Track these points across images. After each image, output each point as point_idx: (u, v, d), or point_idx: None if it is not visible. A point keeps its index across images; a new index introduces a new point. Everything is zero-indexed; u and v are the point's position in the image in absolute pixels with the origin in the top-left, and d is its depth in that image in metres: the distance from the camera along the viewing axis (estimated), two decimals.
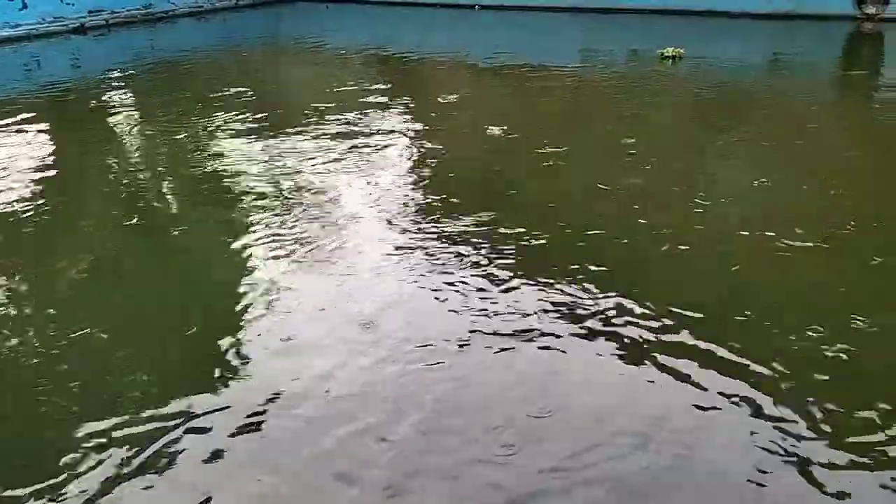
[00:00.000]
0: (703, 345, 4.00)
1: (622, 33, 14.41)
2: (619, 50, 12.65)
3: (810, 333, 4.03)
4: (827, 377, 3.71)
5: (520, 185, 6.48)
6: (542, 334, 4.18)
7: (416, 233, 5.53)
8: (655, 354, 3.95)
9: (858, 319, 4.13)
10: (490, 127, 8.01)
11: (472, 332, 4.23)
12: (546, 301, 4.50)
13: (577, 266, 4.88)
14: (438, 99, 9.56)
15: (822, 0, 14.00)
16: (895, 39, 12.85)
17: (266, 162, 7.37)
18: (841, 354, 3.86)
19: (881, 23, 13.61)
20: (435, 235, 5.46)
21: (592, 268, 4.85)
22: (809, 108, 8.66)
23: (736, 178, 6.42)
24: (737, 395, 3.61)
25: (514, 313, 4.39)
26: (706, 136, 7.79)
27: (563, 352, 4.04)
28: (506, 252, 5.13)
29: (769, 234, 5.21)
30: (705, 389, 3.67)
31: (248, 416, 3.63)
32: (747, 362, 3.84)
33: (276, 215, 5.98)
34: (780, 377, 3.71)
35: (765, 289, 4.59)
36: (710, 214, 5.62)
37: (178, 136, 8.45)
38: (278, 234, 5.63)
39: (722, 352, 3.93)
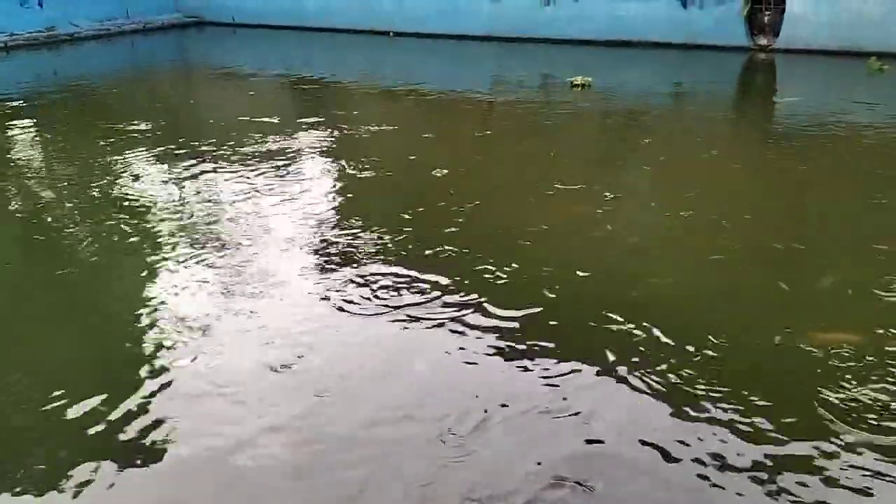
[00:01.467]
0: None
1: (532, 62, 14.81)
2: (531, 78, 12.99)
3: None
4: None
5: (433, 199, 6.62)
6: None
7: (331, 260, 5.54)
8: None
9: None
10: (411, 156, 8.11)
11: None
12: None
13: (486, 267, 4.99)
14: (354, 125, 9.60)
15: (719, 32, 14.75)
16: (785, 68, 13.64)
17: (176, 190, 7.24)
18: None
19: (773, 53, 14.41)
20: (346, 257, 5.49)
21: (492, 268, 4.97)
22: (708, 132, 9.13)
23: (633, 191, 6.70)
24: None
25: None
26: (609, 162, 8.09)
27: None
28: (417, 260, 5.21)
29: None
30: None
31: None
32: None
33: (187, 244, 5.89)
34: None
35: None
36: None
37: (80, 165, 8.23)
38: (189, 266, 5.53)
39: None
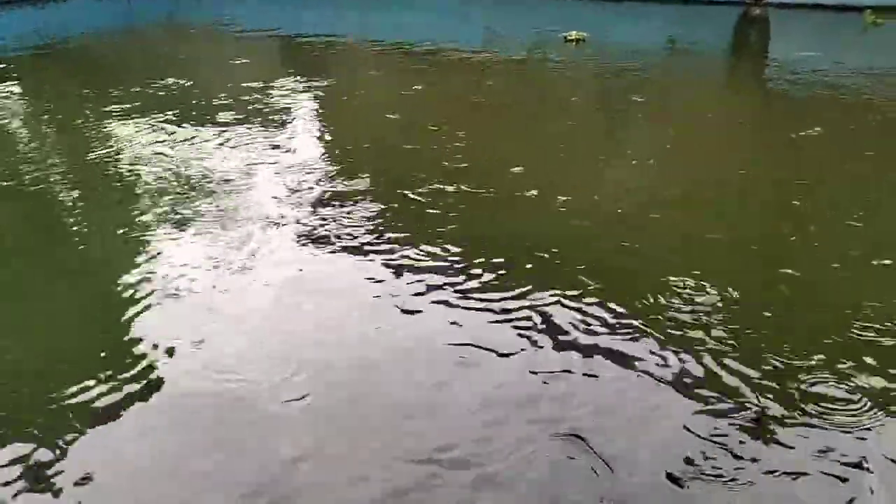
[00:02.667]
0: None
1: (525, 17, 14.68)
2: (525, 33, 12.91)
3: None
4: None
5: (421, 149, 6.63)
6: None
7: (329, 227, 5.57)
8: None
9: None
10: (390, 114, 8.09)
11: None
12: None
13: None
14: (348, 83, 9.56)
15: None
16: (779, 22, 13.57)
17: (172, 154, 7.19)
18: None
19: (767, 7, 14.34)
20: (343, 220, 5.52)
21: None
22: (700, 86, 9.15)
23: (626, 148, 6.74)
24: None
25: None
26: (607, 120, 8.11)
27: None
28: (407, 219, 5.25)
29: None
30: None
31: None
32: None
33: (182, 206, 5.90)
34: None
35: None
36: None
37: (74, 128, 8.18)
38: (186, 228, 5.56)
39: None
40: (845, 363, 3.69)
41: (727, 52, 12.11)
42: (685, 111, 8.18)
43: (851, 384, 3.55)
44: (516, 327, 4.13)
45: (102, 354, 4.07)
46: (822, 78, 9.25)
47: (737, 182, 6.10)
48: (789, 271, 4.57)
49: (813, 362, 3.71)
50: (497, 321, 4.19)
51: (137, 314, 4.41)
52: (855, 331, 3.95)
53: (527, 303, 4.35)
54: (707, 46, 12.07)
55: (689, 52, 11.60)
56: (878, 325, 3.98)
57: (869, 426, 3.30)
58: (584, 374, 3.71)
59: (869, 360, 3.72)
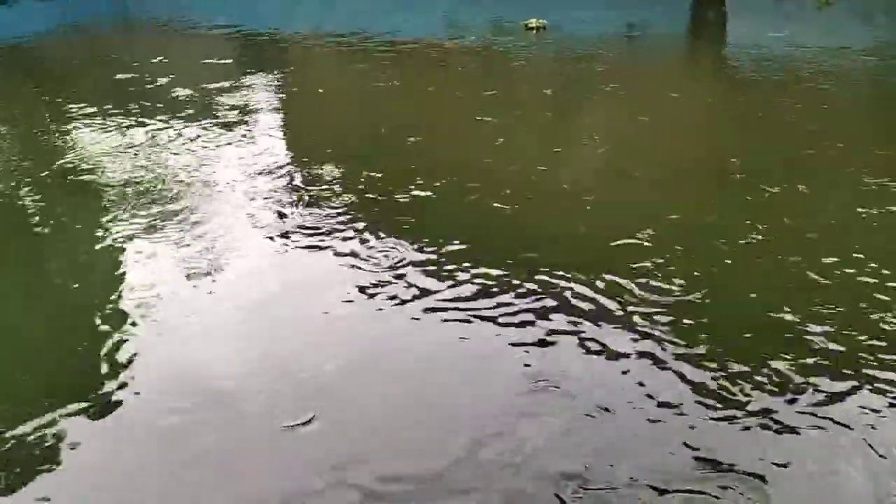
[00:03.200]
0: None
1: (484, 5, 14.65)
2: (484, 22, 12.89)
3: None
4: None
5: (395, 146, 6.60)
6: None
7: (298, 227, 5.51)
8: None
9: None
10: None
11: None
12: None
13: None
14: (304, 76, 9.46)
15: None
16: (735, 3, 13.72)
17: (135, 154, 7.05)
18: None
19: None
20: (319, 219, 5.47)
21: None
22: (659, 71, 9.24)
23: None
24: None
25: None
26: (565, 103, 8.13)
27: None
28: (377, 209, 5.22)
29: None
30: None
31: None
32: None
33: (148, 209, 5.79)
34: None
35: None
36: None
37: (29, 132, 7.99)
38: (155, 232, 5.45)
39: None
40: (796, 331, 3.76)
41: (685, 35, 12.22)
42: (643, 95, 8.21)
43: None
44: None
45: (66, 372, 3.93)
46: (779, 56, 9.37)
47: (687, 160, 6.25)
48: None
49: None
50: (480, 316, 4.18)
51: (105, 324, 4.29)
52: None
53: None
54: (665, 30, 12.18)
55: (648, 36, 11.69)
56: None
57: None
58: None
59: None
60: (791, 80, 8.53)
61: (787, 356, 3.67)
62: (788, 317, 3.96)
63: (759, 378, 3.53)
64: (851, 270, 4.39)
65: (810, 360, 3.63)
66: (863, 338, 3.77)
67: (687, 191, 5.73)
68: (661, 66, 9.83)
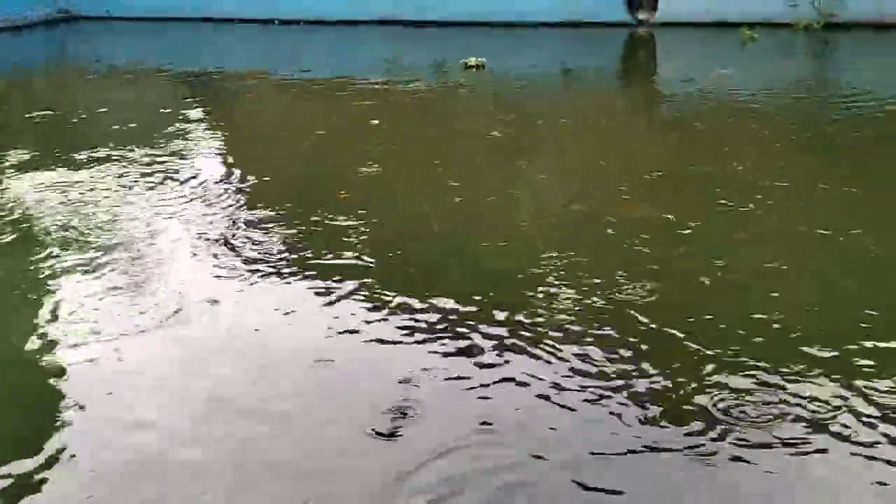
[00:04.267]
0: None
1: (423, 45, 14.91)
2: (425, 61, 13.10)
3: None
4: None
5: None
6: None
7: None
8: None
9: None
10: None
11: None
12: None
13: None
14: (250, 121, 9.45)
15: (601, 9, 15.27)
16: (664, 42, 14.29)
17: (66, 198, 6.78)
18: None
19: (652, 27, 15.04)
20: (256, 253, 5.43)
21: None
22: (599, 107, 9.55)
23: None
24: None
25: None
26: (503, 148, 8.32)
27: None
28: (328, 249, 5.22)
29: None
30: None
31: None
32: None
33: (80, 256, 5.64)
34: None
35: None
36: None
37: None
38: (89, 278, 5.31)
39: None
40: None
41: (617, 73, 12.65)
42: (578, 130, 8.44)
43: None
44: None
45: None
46: (708, 92, 9.77)
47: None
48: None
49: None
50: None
51: (43, 378, 4.10)
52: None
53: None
54: (599, 68, 12.62)
55: (582, 74, 12.08)
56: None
57: None
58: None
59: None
60: (720, 114, 8.90)
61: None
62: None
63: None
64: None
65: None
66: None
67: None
68: (592, 102, 10.13)
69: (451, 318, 4.48)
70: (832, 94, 9.85)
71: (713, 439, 3.34)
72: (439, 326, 4.40)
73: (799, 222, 5.65)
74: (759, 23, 13.50)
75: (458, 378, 3.91)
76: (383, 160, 7.38)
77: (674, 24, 14.73)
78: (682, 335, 4.15)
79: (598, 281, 4.78)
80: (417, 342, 4.27)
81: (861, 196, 6.08)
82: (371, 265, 5.21)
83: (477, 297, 4.69)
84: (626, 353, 4.02)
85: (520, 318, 4.42)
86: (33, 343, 4.42)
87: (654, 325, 4.25)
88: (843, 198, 6.07)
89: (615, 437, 3.41)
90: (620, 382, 3.78)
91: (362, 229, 5.79)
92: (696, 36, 14.13)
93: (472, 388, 3.83)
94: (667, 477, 3.17)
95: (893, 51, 12.65)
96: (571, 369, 3.92)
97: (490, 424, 3.53)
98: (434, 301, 4.65)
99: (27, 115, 9.99)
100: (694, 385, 3.73)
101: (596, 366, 3.93)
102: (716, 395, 3.62)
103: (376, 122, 8.87)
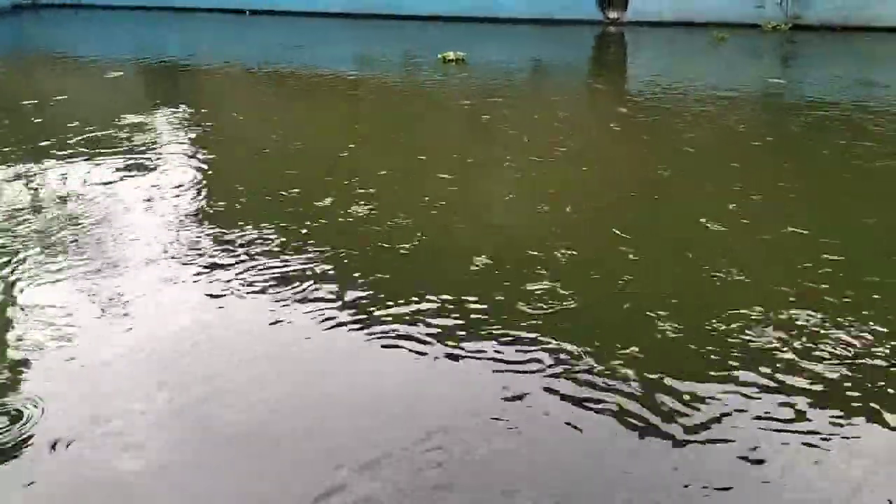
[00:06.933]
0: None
1: (393, 39, 14.94)
2: (399, 55, 13.14)
3: None
4: None
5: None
6: None
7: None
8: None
9: None
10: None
11: None
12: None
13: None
14: (215, 110, 9.38)
15: (573, 7, 15.49)
16: (634, 39, 14.53)
17: (35, 195, 6.64)
18: None
19: (623, 26, 15.29)
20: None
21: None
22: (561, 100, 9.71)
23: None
24: None
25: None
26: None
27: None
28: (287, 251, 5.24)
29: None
30: None
31: None
32: None
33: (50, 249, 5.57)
34: None
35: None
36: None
37: None
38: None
39: None
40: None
41: (588, 69, 12.84)
42: (550, 125, 8.50)
43: None
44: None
45: None
46: (675, 90, 9.95)
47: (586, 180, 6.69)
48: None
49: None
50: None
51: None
52: None
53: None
54: (571, 64, 12.81)
55: (555, 69, 12.25)
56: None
57: None
58: None
59: None
60: (682, 107, 9.08)
61: None
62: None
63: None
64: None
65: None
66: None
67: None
68: (565, 94, 10.26)
69: None
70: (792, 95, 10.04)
71: None
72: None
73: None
74: (728, 23, 13.83)
75: None
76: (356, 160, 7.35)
77: (644, 22, 15.00)
78: None
79: None
80: None
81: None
82: None
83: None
84: None
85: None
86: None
87: None
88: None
89: None
90: None
91: None
92: (666, 35, 14.38)
93: None
94: None
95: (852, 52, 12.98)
96: None
97: None
98: None
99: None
100: None
101: None
102: None
103: (361, 122, 8.83)
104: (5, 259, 5.27)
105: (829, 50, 13.12)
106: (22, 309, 4.62)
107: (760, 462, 3.20)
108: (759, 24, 13.99)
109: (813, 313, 4.27)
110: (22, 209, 6.29)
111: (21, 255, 5.34)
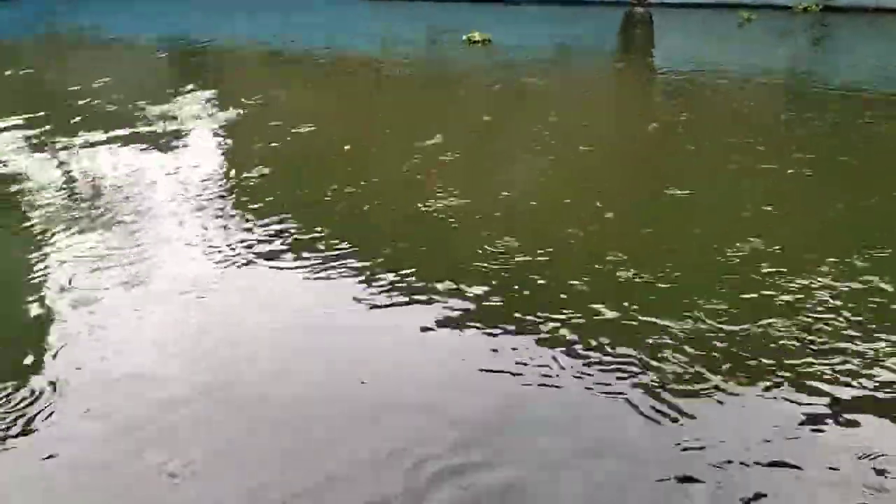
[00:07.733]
0: None
1: (416, 19, 14.77)
2: (422, 36, 13.03)
3: None
4: None
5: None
6: None
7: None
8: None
9: None
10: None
11: None
12: None
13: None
14: (247, 97, 9.38)
15: None
16: (661, 21, 14.31)
17: (65, 167, 6.78)
18: None
19: (650, 7, 15.08)
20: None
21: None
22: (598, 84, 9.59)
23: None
24: None
25: None
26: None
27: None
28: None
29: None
30: None
31: None
32: None
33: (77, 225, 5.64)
34: None
35: None
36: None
37: None
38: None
39: None
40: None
41: (616, 51, 12.65)
42: (583, 109, 8.45)
43: None
44: None
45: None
46: (701, 73, 9.79)
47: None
48: None
49: None
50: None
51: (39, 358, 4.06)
52: None
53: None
54: (597, 47, 12.62)
55: (583, 52, 12.07)
56: None
57: None
58: None
59: None
60: (709, 91, 8.94)
61: None
62: None
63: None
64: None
65: None
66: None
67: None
68: (593, 78, 10.14)
69: None
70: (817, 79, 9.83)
71: None
72: None
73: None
74: (758, 5, 13.61)
75: None
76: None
77: (671, 4, 14.80)
78: None
79: None
80: None
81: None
82: None
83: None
84: None
85: None
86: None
87: None
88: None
89: None
90: None
91: None
92: (695, 16, 14.17)
93: None
94: None
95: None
96: None
97: None
98: None
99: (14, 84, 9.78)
100: None
101: None
102: None
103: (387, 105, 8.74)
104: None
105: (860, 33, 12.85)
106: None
107: None
108: (790, 5, 13.75)
109: None
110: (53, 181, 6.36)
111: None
